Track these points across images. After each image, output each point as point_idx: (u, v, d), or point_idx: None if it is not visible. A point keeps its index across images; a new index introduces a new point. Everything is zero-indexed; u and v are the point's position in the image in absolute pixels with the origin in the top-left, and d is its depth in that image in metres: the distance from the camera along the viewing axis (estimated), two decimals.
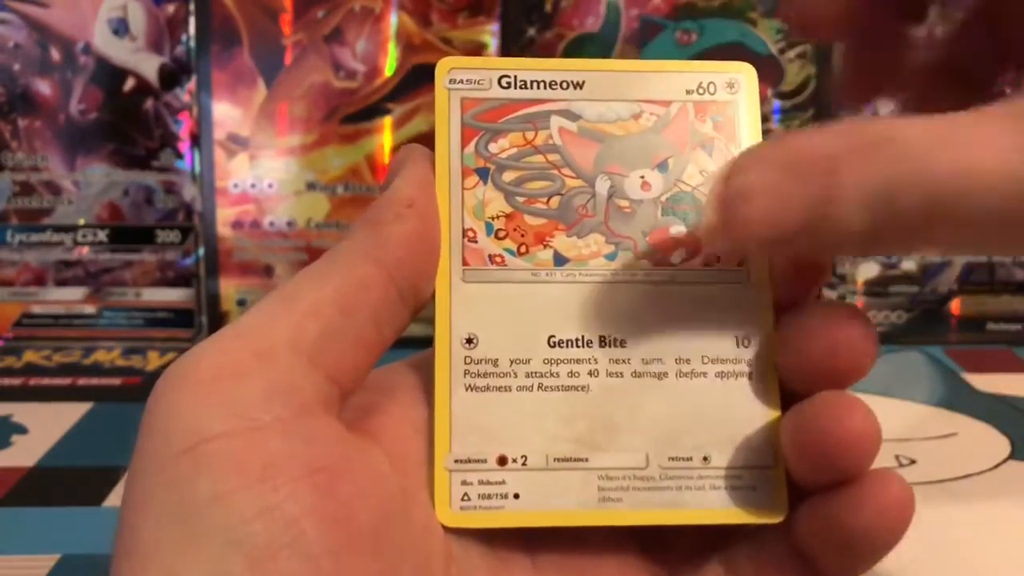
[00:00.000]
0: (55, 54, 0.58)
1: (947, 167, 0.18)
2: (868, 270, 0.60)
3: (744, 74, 0.25)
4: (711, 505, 0.22)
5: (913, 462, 0.44)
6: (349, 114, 0.58)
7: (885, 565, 0.21)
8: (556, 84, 0.24)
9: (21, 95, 0.58)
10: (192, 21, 0.58)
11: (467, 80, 0.24)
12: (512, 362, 0.23)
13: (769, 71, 0.59)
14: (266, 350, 0.20)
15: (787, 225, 0.19)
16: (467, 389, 0.23)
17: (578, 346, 0.23)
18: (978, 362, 0.57)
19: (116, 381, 0.54)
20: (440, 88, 0.24)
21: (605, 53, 0.59)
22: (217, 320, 0.59)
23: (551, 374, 0.23)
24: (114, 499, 0.41)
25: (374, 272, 0.21)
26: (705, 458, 0.23)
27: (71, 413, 0.49)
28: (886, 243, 0.20)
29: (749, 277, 0.24)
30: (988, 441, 0.46)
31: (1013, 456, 0.45)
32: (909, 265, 0.60)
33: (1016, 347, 0.59)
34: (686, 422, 0.23)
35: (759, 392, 0.23)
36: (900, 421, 0.48)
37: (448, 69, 0.24)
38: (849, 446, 0.20)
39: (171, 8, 0.58)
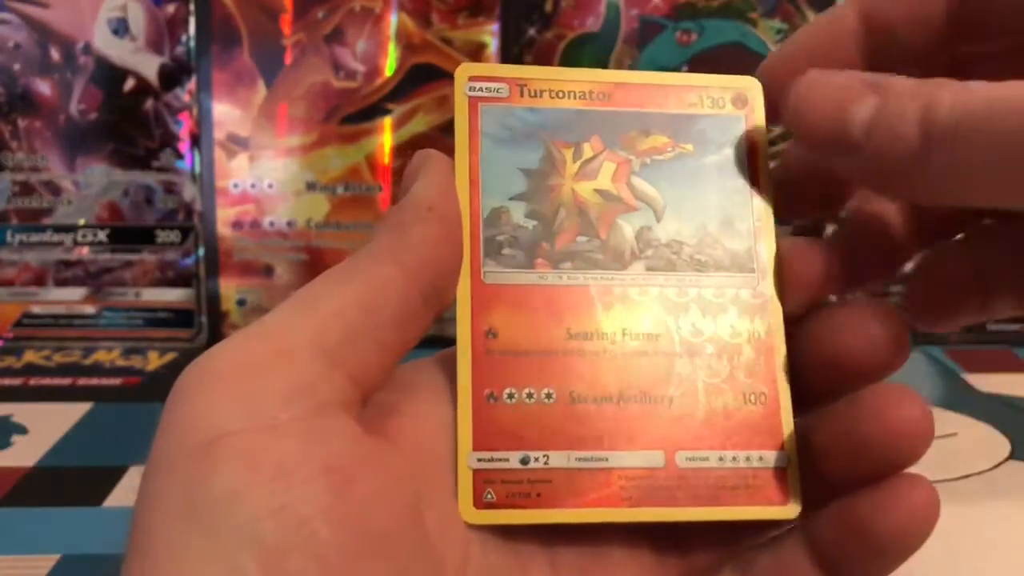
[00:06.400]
0: (55, 54, 0.58)
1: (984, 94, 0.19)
2: None
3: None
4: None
5: None
6: (349, 114, 0.58)
7: None
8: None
9: (21, 95, 0.58)
10: (192, 21, 0.58)
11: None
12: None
13: None
14: (288, 349, 0.20)
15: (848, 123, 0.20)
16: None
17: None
18: (978, 362, 0.57)
19: (116, 381, 0.54)
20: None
21: (605, 53, 0.59)
22: (217, 320, 0.59)
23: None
24: (114, 499, 0.41)
25: (397, 274, 0.21)
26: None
27: (71, 413, 0.49)
28: (938, 169, 0.20)
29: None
30: (988, 441, 0.47)
31: (1013, 456, 0.45)
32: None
33: (1016, 347, 0.60)
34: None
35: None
36: None
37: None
38: (910, 434, 0.20)
39: (171, 8, 0.58)
